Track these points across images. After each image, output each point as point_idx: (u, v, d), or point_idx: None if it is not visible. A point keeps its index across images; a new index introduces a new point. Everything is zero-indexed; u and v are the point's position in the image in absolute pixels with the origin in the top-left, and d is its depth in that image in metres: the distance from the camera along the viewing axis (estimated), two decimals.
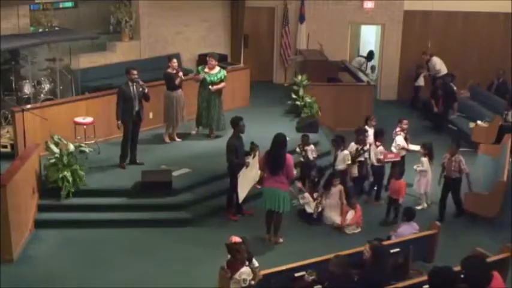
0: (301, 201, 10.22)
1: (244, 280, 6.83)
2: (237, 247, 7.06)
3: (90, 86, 13.24)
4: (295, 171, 9.45)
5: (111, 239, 9.33)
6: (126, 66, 11.15)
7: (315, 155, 11.14)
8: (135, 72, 10.57)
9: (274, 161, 8.98)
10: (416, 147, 11.08)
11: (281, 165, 8.92)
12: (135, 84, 10.57)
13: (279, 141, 9.01)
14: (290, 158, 9.09)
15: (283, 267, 7.20)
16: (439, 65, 15.93)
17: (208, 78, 11.95)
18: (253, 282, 6.84)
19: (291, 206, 9.57)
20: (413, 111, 15.99)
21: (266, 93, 15.60)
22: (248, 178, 9.60)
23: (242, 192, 9.65)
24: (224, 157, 10.28)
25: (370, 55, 17.18)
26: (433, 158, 10.72)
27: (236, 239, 7.32)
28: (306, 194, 10.22)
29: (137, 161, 10.93)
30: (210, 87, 11.92)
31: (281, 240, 9.35)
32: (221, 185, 10.46)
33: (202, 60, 14.66)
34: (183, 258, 8.85)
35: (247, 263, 7.07)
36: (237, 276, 6.88)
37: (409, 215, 9.07)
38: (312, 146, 11.20)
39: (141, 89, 10.66)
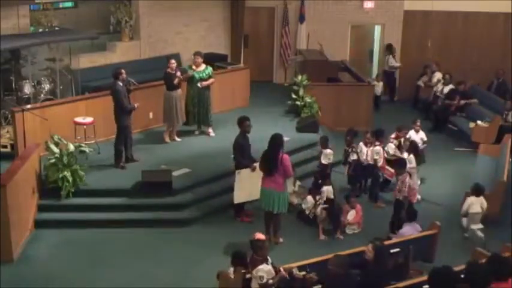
0: (304, 206, 10.17)
1: (261, 277, 6.82)
2: (260, 244, 7.19)
3: (90, 86, 13.24)
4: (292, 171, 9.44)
5: (111, 239, 9.32)
6: (114, 67, 11.19)
7: (329, 160, 11.02)
8: (124, 71, 10.74)
9: (268, 161, 8.99)
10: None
11: (275, 166, 8.92)
12: (124, 83, 10.72)
13: (274, 142, 9.02)
14: (286, 158, 9.05)
15: (283, 267, 7.19)
16: (437, 79, 15.83)
17: (197, 76, 12.06)
18: (271, 281, 6.83)
19: (289, 206, 9.53)
20: (414, 111, 16.00)
21: (266, 93, 15.59)
22: (249, 185, 9.51)
23: (238, 195, 9.65)
24: (224, 157, 10.31)
25: (390, 48, 16.71)
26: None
27: (260, 236, 7.38)
28: (309, 197, 10.16)
29: (134, 159, 10.95)
30: (199, 84, 12.00)
31: (281, 240, 9.35)
32: (221, 185, 10.45)
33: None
34: (183, 258, 8.84)
35: (269, 261, 7.09)
36: (254, 272, 6.89)
37: (411, 215, 9.05)
38: (328, 150, 11.03)
39: (129, 86, 10.85)
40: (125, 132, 10.76)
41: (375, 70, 17.37)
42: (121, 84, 10.63)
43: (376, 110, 15.24)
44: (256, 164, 9.49)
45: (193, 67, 12.18)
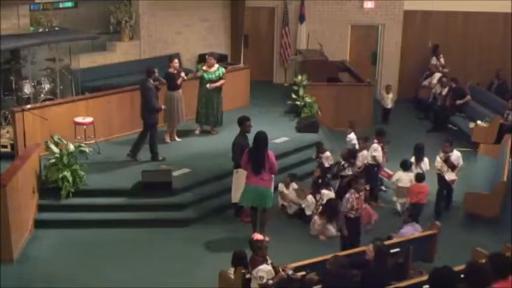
0: (303, 205, 10.17)
1: (261, 277, 6.82)
2: (259, 244, 7.21)
3: (90, 86, 13.23)
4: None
5: (111, 239, 9.32)
6: (148, 66, 11.40)
7: (330, 162, 11.03)
8: (156, 70, 11.03)
9: (257, 160, 8.96)
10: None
11: (263, 164, 8.92)
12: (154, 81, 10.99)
13: (261, 140, 9.00)
14: (272, 155, 9.07)
15: (283, 267, 7.19)
16: (436, 80, 15.76)
17: (206, 76, 12.05)
18: (271, 282, 6.82)
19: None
20: (415, 111, 16.00)
21: (266, 93, 15.60)
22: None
23: (236, 194, 9.58)
24: (224, 157, 10.29)
25: (435, 49, 16.39)
26: (422, 160, 10.63)
27: (259, 236, 7.38)
28: (309, 197, 10.17)
29: (137, 158, 11.06)
30: (207, 85, 11.99)
31: (267, 238, 9.22)
32: (221, 185, 10.45)
33: (202, 60, 14.68)
34: (183, 258, 8.84)
35: (269, 261, 7.07)
36: (254, 272, 6.88)
37: (412, 215, 9.03)
38: (327, 153, 11.08)
39: (159, 85, 11.16)
40: (151, 131, 10.90)
41: (378, 73, 17.26)
42: (152, 82, 10.82)
43: (385, 123, 14.79)
44: None
45: (204, 67, 12.17)
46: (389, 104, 15.36)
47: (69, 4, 14.92)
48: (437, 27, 16.70)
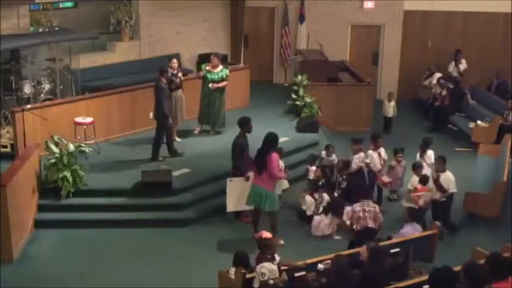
0: (304, 207, 10.14)
1: (263, 274, 6.80)
2: (268, 242, 7.17)
3: (90, 86, 13.24)
4: (282, 172, 9.49)
5: (111, 239, 9.33)
6: (160, 67, 11.26)
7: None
8: (169, 70, 11.07)
9: (259, 159, 9.01)
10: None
11: (264, 165, 8.94)
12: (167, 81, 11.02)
13: (265, 141, 9.04)
14: (273, 158, 8.98)
15: (283, 268, 7.19)
16: (436, 80, 15.73)
17: (209, 76, 12.04)
18: (271, 282, 6.81)
19: (278, 204, 9.41)
20: (414, 111, 15.99)
21: (266, 93, 15.59)
22: (242, 194, 9.37)
23: (230, 203, 9.53)
24: (224, 157, 10.28)
25: (456, 54, 15.95)
26: (425, 153, 10.67)
27: (267, 234, 7.35)
28: (308, 197, 10.14)
29: (178, 152, 11.28)
30: (210, 85, 11.99)
31: (282, 242, 9.21)
32: (221, 185, 10.42)
33: (202, 60, 14.71)
34: (183, 258, 8.84)
35: (277, 260, 7.07)
36: (257, 267, 6.88)
37: (413, 216, 9.03)
38: (313, 167, 10.80)
39: (172, 85, 11.20)
40: (165, 130, 10.96)
41: (379, 73, 17.22)
42: (165, 81, 10.82)
43: (387, 133, 13.96)
44: (251, 174, 9.33)
45: (208, 67, 12.16)
46: (390, 113, 14.49)
47: (69, 4, 14.94)
48: (437, 27, 16.69)
